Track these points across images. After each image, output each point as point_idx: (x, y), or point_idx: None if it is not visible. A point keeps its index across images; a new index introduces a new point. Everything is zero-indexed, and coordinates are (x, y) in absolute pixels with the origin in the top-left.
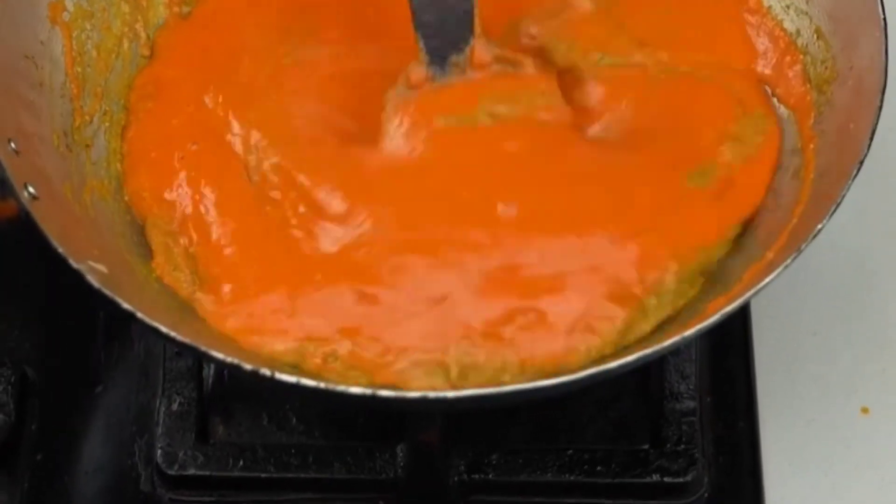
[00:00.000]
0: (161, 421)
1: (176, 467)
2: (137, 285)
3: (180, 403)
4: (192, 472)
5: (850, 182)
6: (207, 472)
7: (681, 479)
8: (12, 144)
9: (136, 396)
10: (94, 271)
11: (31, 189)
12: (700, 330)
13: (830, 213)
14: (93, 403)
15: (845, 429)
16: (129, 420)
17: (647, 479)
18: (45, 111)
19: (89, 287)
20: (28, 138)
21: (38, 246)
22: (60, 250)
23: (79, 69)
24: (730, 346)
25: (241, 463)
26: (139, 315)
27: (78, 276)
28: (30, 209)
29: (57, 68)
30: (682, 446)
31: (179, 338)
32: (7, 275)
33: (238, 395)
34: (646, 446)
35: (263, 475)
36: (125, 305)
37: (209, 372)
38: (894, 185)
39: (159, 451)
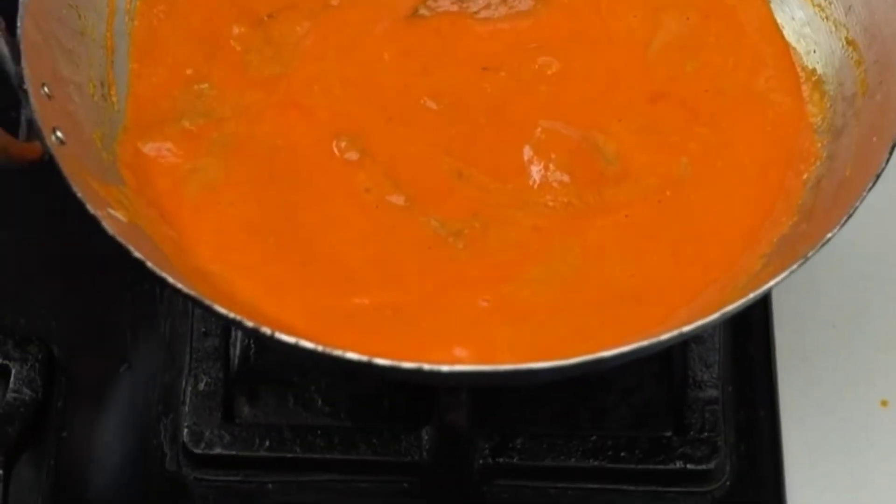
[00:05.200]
0: (187, 400)
1: (202, 446)
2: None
3: (207, 383)
4: (218, 451)
5: (865, 194)
6: (234, 452)
7: (703, 467)
8: (45, 88)
9: (161, 375)
10: (113, 219)
11: (59, 134)
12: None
13: (842, 222)
14: (119, 382)
15: (864, 420)
16: (155, 399)
17: (671, 466)
18: (83, 59)
19: (104, 234)
20: (63, 84)
21: (64, 227)
22: (79, 195)
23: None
24: (751, 336)
25: (267, 443)
26: (148, 264)
27: (96, 224)
28: (55, 153)
29: (100, 19)
30: (705, 434)
31: (185, 289)
32: (35, 255)
33: (264, 376)
34: (669, 433)
35: (289, 455)
36: (136, 254)
37: (236, 352)
38: None
39: (186, 430)
